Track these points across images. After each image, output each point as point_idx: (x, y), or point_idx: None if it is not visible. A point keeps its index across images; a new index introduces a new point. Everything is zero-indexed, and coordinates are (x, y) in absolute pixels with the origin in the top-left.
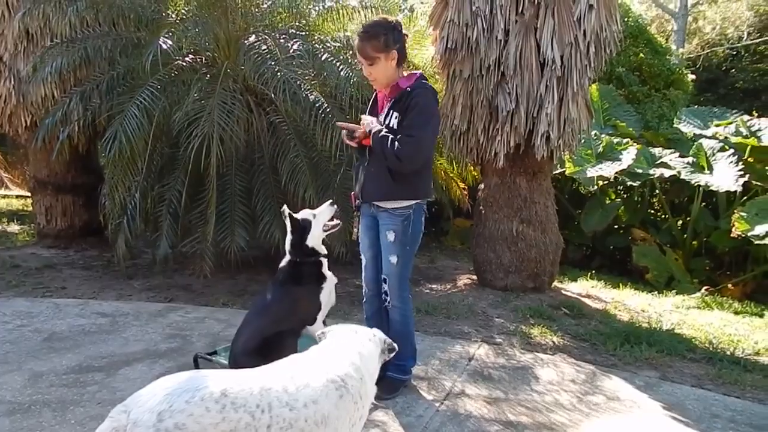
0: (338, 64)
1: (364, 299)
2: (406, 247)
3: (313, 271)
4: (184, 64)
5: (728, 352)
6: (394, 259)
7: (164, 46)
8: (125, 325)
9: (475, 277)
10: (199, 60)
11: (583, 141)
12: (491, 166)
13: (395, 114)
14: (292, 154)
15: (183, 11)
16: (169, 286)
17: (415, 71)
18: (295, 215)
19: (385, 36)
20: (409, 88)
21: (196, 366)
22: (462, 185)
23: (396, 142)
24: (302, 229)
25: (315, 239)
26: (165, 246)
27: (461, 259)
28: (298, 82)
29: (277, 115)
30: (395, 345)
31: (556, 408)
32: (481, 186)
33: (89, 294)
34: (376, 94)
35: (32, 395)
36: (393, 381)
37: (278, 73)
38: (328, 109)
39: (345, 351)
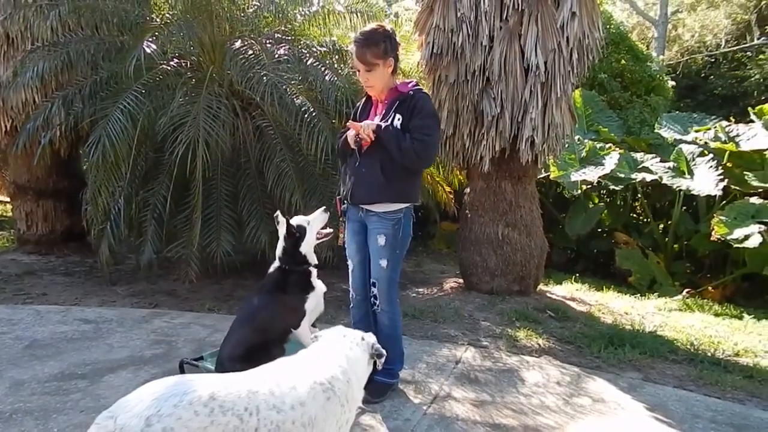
0: (324, 69)
1: (352, 304)
2: (396, 250)
3: (300, 280)
4: (169, 68)
5: (709, 354)
6: (384, 262)
7: (148, 51)
8: (109, 331)
9: (461, 280)
10: (184, 64)
11: (566, 146)
12: (477, 170)
13: (398, 116)
14: (278, 159)
15: (167, 15)
16: (154, 291)
17: (409, 80)
18: (290, 221)
19: (384, 43)
20: (411, 92)
21: (182, 372)
22: (448, 189)
23: (411, 140)
24: (297, 235)
25: (308, 246)
26: (149, 251)
27: (448, 263)
28: (284, 87)
29: (263, 119)
30: (383, 351)
31: (542, 410)
32: (467, 190)
33: (71, 300)
34: (368, 97)
35: (14, 404)
36: (380, 385)
37: (264, 78)
38: (314, 114)
39: (332, 354)
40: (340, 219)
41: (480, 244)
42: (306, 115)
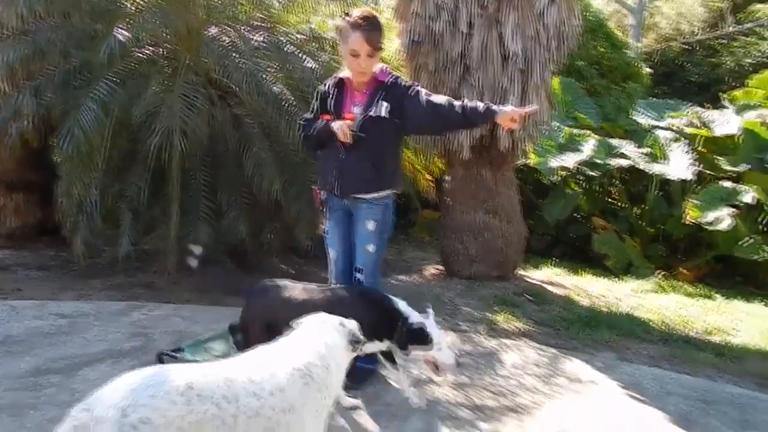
0: (303, 56)
1: None
2: (383, 234)
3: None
4: (143, 56)
5: (682, 333)
6: (371, 247)
7: (121, 38)
8: (85, 325)
9: (442, 267)
10: (159, 52)
11: (546, 133)
12: (457, 157)
13: (385, 104)
14: (256, 148)
15: (141, 2)
16: (132, 284)
17: (381, 65)
18: (418, 326)
19: (383, 29)
20: (393, 81)
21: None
22: (429, 177)
23: (434, 102)
24: (414, 334)
25: (406, 351)
26: (126, 243)
27: (429, 251)
28: (262, 75)
29: (241, 108)
30: (363, 337)
31: (521, 391)
32: (448, 178)
33: (47, 295)
34: (340, 84)
35: None
36: (361, 370)
37: (242, 66)
38: (293, 102)
39: (311, 340)
40: (321, 209)
41: (460, 231)
42: (285, 104)
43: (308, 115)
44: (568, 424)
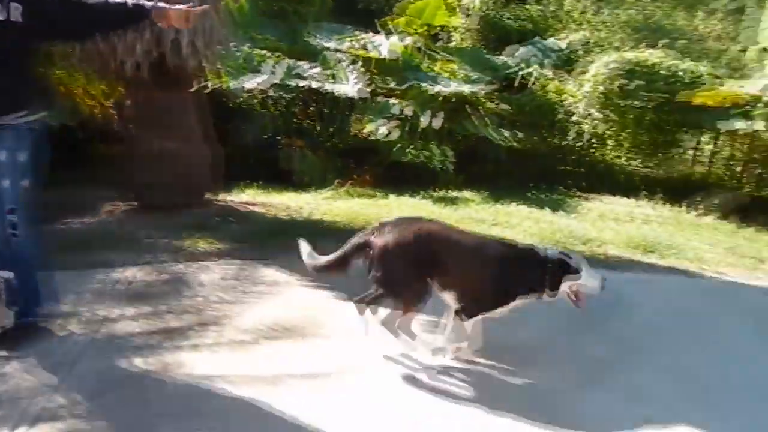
0: None
1: None
2: (37, 167)
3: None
4: None
5: (359, 227)
6: (25, 182)
7: None
8: None
9: (130, 202)
10: None
11: (237, 54)
12: (133, 80)
13: (14, 5)
14: None
15: None
16: None
17: None
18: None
19: None
20: None
21: None
22: (104, 103)
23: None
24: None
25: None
26: None
27: (113, 187)
28: None
29: None
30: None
31: (223, 304)
32: (127, 103)
33: None
34: None
35: None
36: (29, 325)
37: None
38: None
39: None
40: None
41: (146, 161)
42: None
43: None
44: (266, 321)
